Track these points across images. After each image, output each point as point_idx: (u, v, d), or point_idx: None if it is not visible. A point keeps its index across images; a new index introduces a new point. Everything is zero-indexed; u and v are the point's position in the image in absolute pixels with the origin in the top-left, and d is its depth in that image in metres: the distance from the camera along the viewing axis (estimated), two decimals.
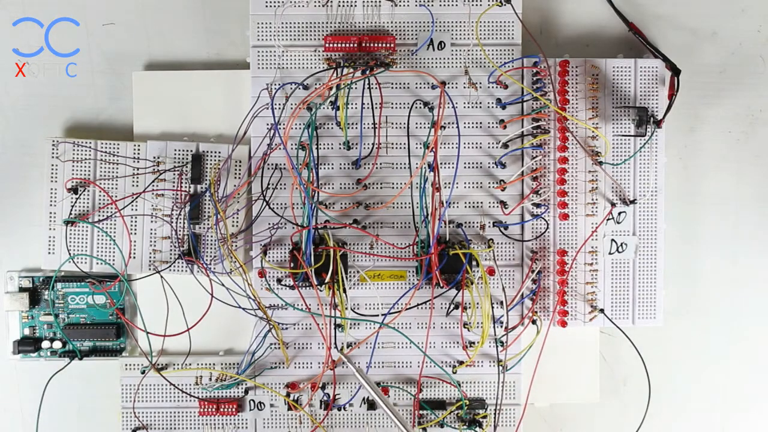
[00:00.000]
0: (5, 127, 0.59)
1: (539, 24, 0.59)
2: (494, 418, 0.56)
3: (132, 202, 0.56)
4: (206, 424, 0.57)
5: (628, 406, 0.59)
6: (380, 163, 0.56)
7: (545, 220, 0.56)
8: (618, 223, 0.56)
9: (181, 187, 0.56)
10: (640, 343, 0.56)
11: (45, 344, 0.57)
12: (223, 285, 0.54)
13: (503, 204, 0.56)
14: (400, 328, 0.55)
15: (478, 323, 0.54)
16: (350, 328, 0.56)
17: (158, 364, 0.56)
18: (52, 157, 0.56)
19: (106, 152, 0.56)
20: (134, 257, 0.56)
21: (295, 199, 0.55)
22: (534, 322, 0.56)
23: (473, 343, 0.56)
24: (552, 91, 0.55)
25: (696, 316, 0.60)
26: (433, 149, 0.53)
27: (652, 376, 0.56)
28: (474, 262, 0.54)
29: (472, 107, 0.56)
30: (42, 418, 0.57)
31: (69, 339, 0.57)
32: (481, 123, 0.56)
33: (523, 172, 0.56)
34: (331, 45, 0.54)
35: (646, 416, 0.57)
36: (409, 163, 0.55)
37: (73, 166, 0.56)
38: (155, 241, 0.56)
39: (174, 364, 0.56)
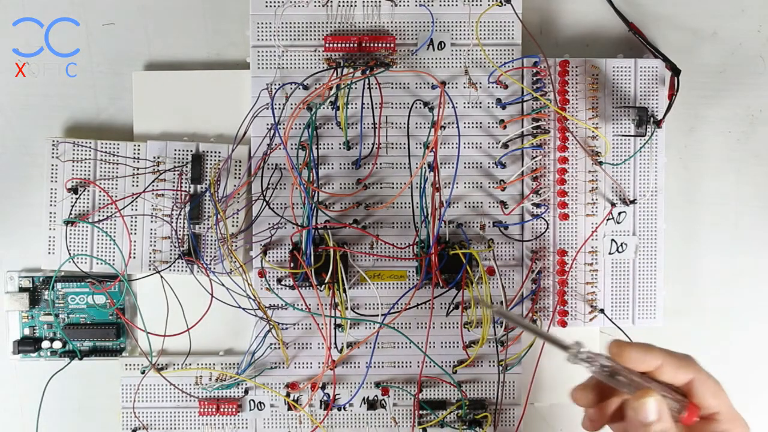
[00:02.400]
0: (5, 127, 0.59)
1: (539, 24, 0.59)
2: (494, 418, 0.56)
3: (132, 202, 0.56)
4: (206, 424, 0.57)
5: None
6: (380, 163, 0.56)
7: (545, 220, 0.56)
8: (618, 223, 0.56)
9: (181, 187, 0.56)
10: None
11: (45, 344, 0.57)
12: (223, 285, 0.54)
13: (503, 204, 0.56)
14: (400, 328, 0.55)
15: (478, 323, 0.54)
16: (350, 328, 0.56)
17: (158, 364, 0.56)
18: (52, 157, 0.56)
19: (106, 152, 0.56)
20: (134, 257, 0.56)
21: (295, 199, 0.55)
22: (534, 322, 0.56)
23: (473, 343, 0.56)
24: (552, 91, 0.55)
25: (696, 316, 0.60)
26: (433, 149, 0.53)
27: None
28: (474, 262, 0.54)
29: (472, 107, 0.56)
30: (42, 418, 0.57)
31: (69, 339, 0.57)
32: (481, 123, 0.56)
33: (523, 172, 0.56)
34: (331, 45, 0.54)
35: None
36: (409, 163, 0.55)
37: (73, 166, 0.56)
38: (155, 241, 0.56)
39: (174, 364, 0.56)
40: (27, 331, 0.58)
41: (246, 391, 0.57)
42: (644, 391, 0.38)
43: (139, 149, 0.56)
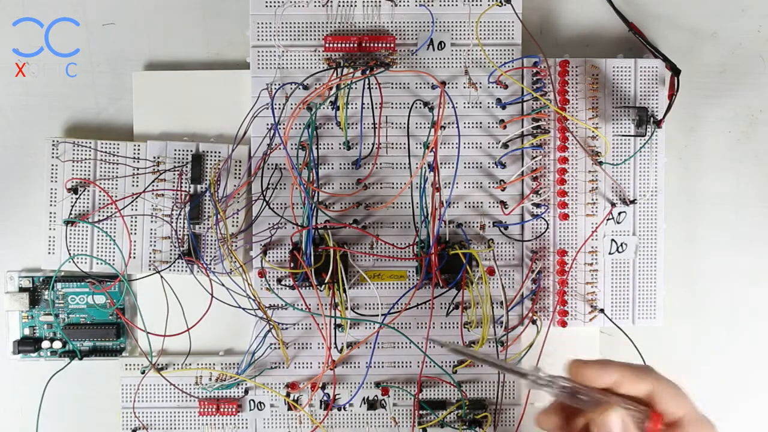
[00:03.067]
0: (5, 127, 0.59)
1: (539, 24, 0.59)
2: (494, 418, 0.56)
3: (132, 202, 0.56)
4: (206, 424, 0.57)
5: None
6: (380, 163, 0.56)
7: (545, 220, 0.56)
8: (618, 223, 0.56)
9: (181, 187, 0.56)
10: (640, 343, 0.56)
11: (45, 344, 0.57)
12: (223, 285, 0.54)
13: (503, 204, 0.56)
14: (400, 328, 0.55)
15: (478, 323, 0.54)
16: (350, 328, 0.56)
17: (158, 364, 0.56)
18: (52, 157, 0.56)
19: (106, 152, 0.56)
20: (134, 257, 0.56)
21: (295, 199, 0.55)
22: (534, 322, 0.56)
23: (473, 343, 0.56)
24: (552, 91, 0.55)
25: (696, 316, 0.60)
26: (433, 149, 0.53)
27: None
28: (474, 262, 0.54)
29: (472, 107, 0.56)
30: (42, 418, 0.57)
31: (69, 339, 0.57)
32: (481, 123, 0.56)
33: (523, 172, 0.56)
34: (331, 45, 0.54)
35: None
36: (409, 163, 0.55)
37: (73, 166, 0.56)
38: (155, 241, 0.56)
39: (174, 364, 0.56)
40: (27, 331, 0.58)
41: (246, 391, 0.57)
42: (605, 406, 0.38)
43: (139, 149, 0.56)
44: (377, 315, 0.55)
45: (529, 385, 0.39)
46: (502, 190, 0.56)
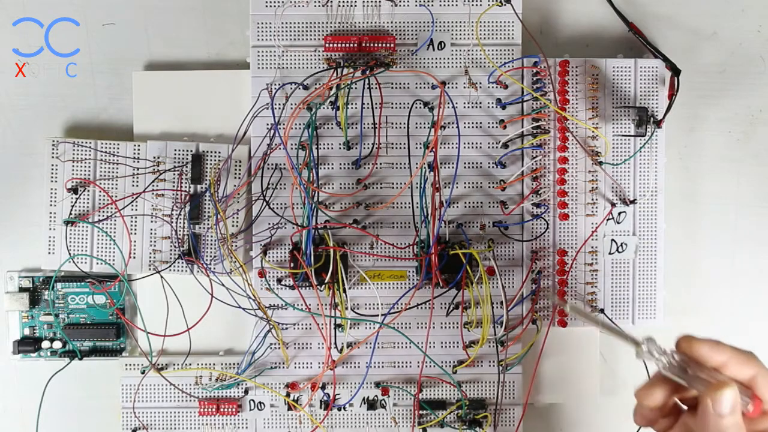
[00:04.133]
0: (5, 127, 0.59)
1: (539, 24, 0.59)
2: (494, 418, 0.56)
3: (132, 202, 0.56)
4: (206, 424, 0.57)
5: (628, 406, 0.59)
6: (380, 163, 0.56)
7: (545, 220, 0.56)
8: (618, 223, 0.56)
9: (181, 187, 0.56)
10: None
11: (45, 344, 0.57)
12: (223, 285, 0.54)
13: (503, 204, 0.56)
14: (400, 328, 0.55)
15: (478, 323, 0.54)
16: (350, 328, 0.56)
17: (158, 364, 0.56)
18: (52, 157, 0.56)
19: (106, 152, 0.56)
20: (134, 257, 0.56)
21: (295, 199, 0.55)
22: (534, 322, 0.56)
23: (473, 343, 0.56)
24: (552, 91, 0.55)
25: (696, 316, 0.60)
26: (433, 149, 0.53)
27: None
28: (474, 262, 0.54)
29: (472, 107, 0.56)
30: (42, 418, 0.57)
31: (69, 339, 0.57)
32: (481, 123, 0.56)
33: (523, 172, 0.56)
34: (331, 45, 0.54)
35: None
36: (409, 163, 0.55)
37: (73, 166, 0.56)
38: (155, 241, 0.56)
39: (174, 364, 0.56)
40: (27, 331, 0.58)
41: (246, 391, 0.57)
42: (723, 383, 0.38)
43: (139, 149, 0.56)
44: (377, 315, 0.55)
45: (640, 355, 0.40)
46: (502, 190, 0.56)
